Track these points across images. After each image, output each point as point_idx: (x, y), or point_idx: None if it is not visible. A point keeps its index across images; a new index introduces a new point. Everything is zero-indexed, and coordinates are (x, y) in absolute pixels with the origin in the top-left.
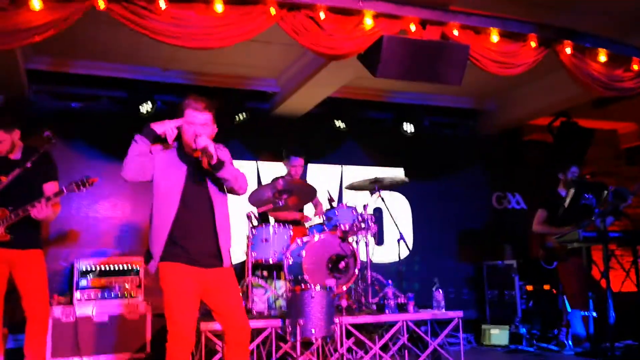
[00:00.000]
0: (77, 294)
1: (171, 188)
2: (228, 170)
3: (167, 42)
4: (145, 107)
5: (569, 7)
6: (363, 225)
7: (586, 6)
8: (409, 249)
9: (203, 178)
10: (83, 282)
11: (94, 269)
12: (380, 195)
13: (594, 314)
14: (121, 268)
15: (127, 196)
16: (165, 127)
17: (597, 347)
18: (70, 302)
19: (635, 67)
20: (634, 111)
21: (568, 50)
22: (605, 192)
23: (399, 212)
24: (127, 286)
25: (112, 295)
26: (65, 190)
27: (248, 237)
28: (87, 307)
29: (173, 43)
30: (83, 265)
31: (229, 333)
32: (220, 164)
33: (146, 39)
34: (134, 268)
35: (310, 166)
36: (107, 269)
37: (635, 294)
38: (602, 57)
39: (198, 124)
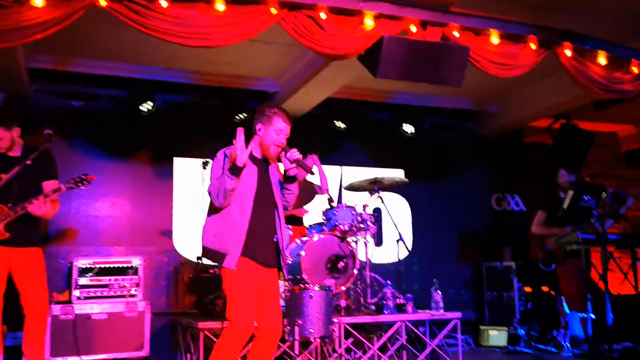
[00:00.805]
0: (76, 292)
1: (246, 190)
2: (296, 184)
3: (169, 41)
4: (146, 106)
5: (569, 10)
6: (362, 225)
7: (586, 9)
8: (408, 249)
9: (269, 182)
10: (82, 281)
11: (93, 267)
12: (379, 196)
13: (593, 316)
14: (120, 266)
15: (127, 195)
16: (244, 157)
17: (595, 349)
18: (69, 301)
19: (635, 69)
20: (634, 114)
21: (568, 53)
22: (604, 194)
23: (398, 213)
24: (126, 284)
25: (111, 294)
26: (63, 188)
27: None
28: (86, 306)
29: (174, 41)
30: (82, 263)
31: (261, 329)
32: (297, 177)
33: (147, 37)
34: (133, 266)
35: None
36: (106, 267)
37: (634, 296)
38: (602, 60)
39: (284, 135)
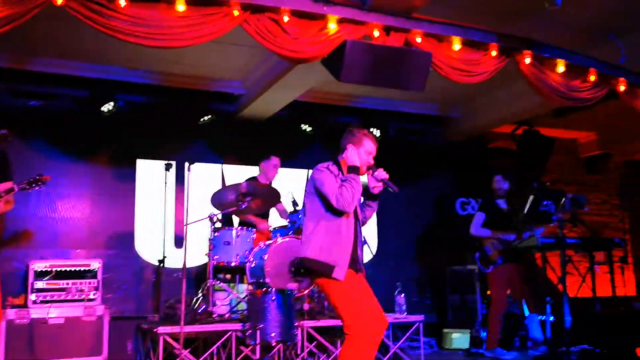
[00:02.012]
0: (32, 296)
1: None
2: (376, 202)
3: (127, 41)
4: (107, 107)
5: (530, 18)
6: None
7: (546, 18)
8: (372, 252)
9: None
10: (39, 284)
11: (50, 271)
12: None
13: (551, 318)
14: (79, 270)
15: (87, 197)
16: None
17: (553, 351)
18: (25, 305)
19: (592, 78)
20: (593, 121)
21: (527, 60)
22: (564, 199)
23: None
24: (84, 288)
25: (69, 298)
26: (16, 188)
27: (210, 240)
28: (42, 310)
29: (134, 42)
30: (39, 266)
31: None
32: (379, 195)
33: (108, 37)
34: (92, 270)
35: None
36: (64, 270)
37: (591, 299)
38: (561, 68)
39: (373, 155)
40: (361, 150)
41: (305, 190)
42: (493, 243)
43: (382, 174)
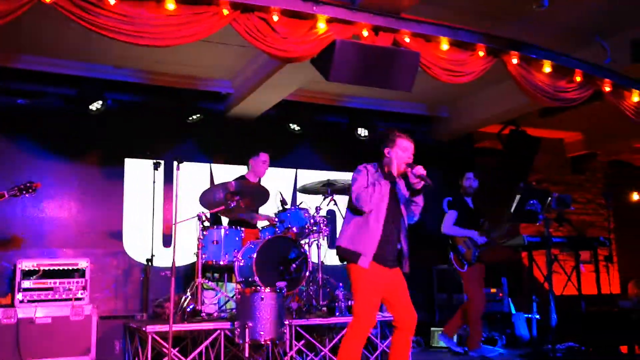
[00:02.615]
0: (19, 296)
1: (380, 201)
2: (421, 197)
3: (116, 39)
4: (96, 105)
5: (517, 19)
6: (315, 227)
7: (533, 19)
8: None
9: (398, 196)
10: (26, 284)
11: (37, 270)
12: (332, 199)
13: (537, 316)
14: (66, 269)
15: (74, 197)
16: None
17: (539, 349)
18: (12, 304)
19: (578, 78)
20: (579, 121)
21: (515, 61)
22: (550, 198)
23: None
24: (72, 288)
25: (57, 297)
26: (6, 195)
27: (198, 239)
28: (29, 309)
29: (122, 40)
30: (26, 265)
31: (400, 320)
32: (422, 190)
33: (96, 35)
34: (80, 269)
35: None
36: (52, 270)
37: (577, 297)
38: (547, 68)
39: (410, 152)
40: (396, 150)
41: None
42: (466, 242)
43: (419, 170)
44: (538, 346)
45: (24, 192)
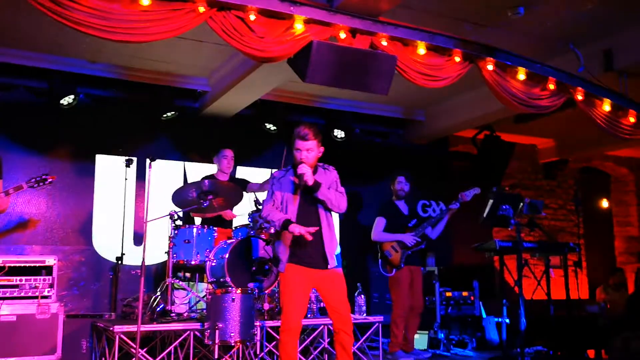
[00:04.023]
0: None
1: (289, 204)
2: (321, 192)
3: (89, 34)
4: (67, 100)
5: (493, 27)
6: None
7: (508, 26)
8: None
9: (312, 198)
10: None
11: (2, 267)
12: None
13: (507, 320)
14: (33, 266)
15: (42, 192)
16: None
17: (508, 353)
18: None
19: (551, 86)
20: (552, 128)
21: (490, 67)
22: (522, 204)
23: None
24: (38, 285)
25: (22, 295)
26: (25, 186)
27: (170, 238)
28: None
29: (96, 35)
30: None
31: (335, 322)
32: (314, 187)
33: (69, 29)
34: (47, 266)
35: (239, 168)
36: (17, 266)
37: (546, 301)
38: (522, 76)
39: (303, 150)
40: (294, 150)
41: None
42: (393, 246)
43: (300, 169)
44: (507, 350)
45: (41, 183)
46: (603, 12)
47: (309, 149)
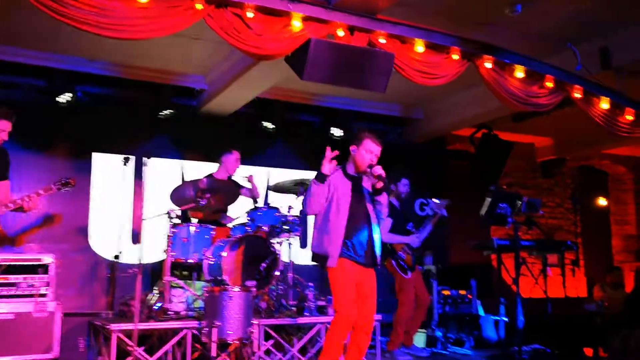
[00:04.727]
0: None
1: (342, 200)
2: (384, 196)
3: (89, 31)
4: (65, 97)
5: (491, 25)
6: (286, 227)
7: (506, 24)
8: None
9: (362, 194)
10: None
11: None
12: None
13: (505, 318)
14: (30, 264)
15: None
16: (330, 166)
17: (506, 351)
18: None
19: (549, 84)
20: (550, 126)
21: (488, 65)
22: (519, 202)
23: None
24: (35, 283)
25: (19, 293)
26: (54, 188)
27: (167, 236)
28: None
29: (94, 32)
30: None
31: (359, 320)
32: (383, 189)
33: (67, 26)
34: (44, 264)
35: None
36: (15, 265)
37: (543, 300)
38: (520, 74)
39: (374, 154)
40: (361, 150)
41: None
42: (404, 248)
43: (377, 170)
44: (505, 348)
45: (67, 187)
46: (600, 10)
47: (377, 155)
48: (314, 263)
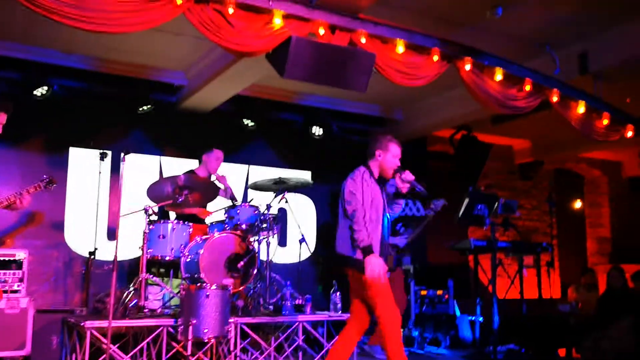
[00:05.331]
0: None
1: (378, 206)
2: (402, 201)
3: (63, 23)
4: (40, 91)
5: (471, 27)
6: (265, 225)
7: (485, 27)
8: (309, 250)
9: (383, 198)
10: None
11: None
12: (284, 196)
13: (481, 319)
14: (2, 260)
15: (15, 184)
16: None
17: (481, 351)
18: None
19: (528, 87)
20: (528, 129)
21: (467, 67)
22: (496, 203)
23: (304, 214)
24: (8, 279)
25: None
26: (41, 185)
27: (144, 233)
28: None
29: (69, 24)
30: None
31: (365, 324)
32: (409, 195)
33: (43, 18)
34: (17, 260)
35: None
36: None
37: (519, 300)
38: (499, 76)
39: (399, 158)
40: (388, 155)
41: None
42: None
43: (408, 175)
44: (480, 348)
45: (50, 185)
46: (579, 16)
47: (399, 158)
48: (339, 265)
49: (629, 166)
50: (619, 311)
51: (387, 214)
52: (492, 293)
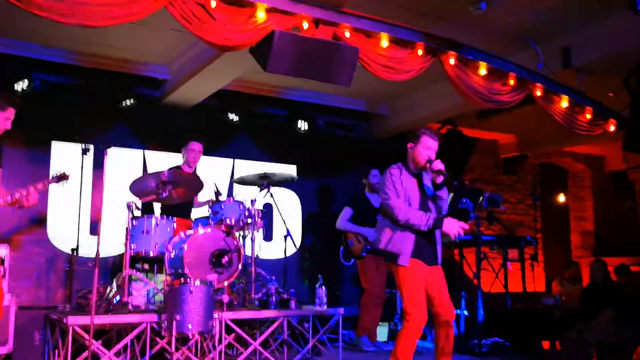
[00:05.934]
0: None
1: (412, 200)
2: (445, 191)
3: (43, 16)
4: (21, 85)
5: (455, 21)
6: (249, 220)
7: (470, 21)
8: (295, 245)
9: (424, 190)
10: None
11: None
12: (269, 191)
13: (465, 312)
14: None
15: None
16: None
17: (465, 344)
18: None
19: (512, 82)
20: (513, 123)
21: (452, 61)
22: (481, 198)
23: (290, 208)
24: None
25: None
26: (52, 181)
27: (127, 228)
28: None
29: (49, 17)
30: None
31: (442, 314)
32: (444, 183)
33: (22, 11)
34: None
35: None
36: None
37: (503, 294)
38: (483, 71)
39: (433, 150)
40: (419, 147)
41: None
42: (357, 237)
43: (437, 164)
44: (465, 341)
45: (63, 180)
46: (562, 10)
47: (435, 151)
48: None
49: (612, 161)
50: (601, 304)
51: (435, 204)
52: (477, 287)
